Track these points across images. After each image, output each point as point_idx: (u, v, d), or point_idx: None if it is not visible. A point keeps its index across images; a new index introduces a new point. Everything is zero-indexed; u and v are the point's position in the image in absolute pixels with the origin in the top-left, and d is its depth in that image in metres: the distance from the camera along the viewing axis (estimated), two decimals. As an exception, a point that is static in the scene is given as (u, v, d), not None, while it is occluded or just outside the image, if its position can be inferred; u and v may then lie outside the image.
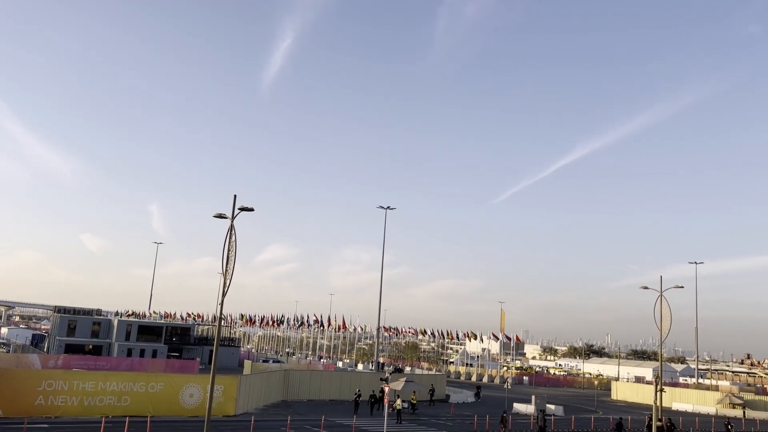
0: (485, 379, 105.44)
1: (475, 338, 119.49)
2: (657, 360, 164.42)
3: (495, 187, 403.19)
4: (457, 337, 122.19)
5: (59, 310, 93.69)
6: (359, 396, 47.18)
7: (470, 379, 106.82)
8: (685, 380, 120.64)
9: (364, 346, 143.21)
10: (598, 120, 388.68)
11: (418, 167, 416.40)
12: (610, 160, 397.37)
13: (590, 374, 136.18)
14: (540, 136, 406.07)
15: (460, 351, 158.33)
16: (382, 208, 72.68)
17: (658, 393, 38.35)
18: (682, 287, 49.33)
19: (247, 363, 70.04)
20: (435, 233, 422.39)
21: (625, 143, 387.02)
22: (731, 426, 44.49)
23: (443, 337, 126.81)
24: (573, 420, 48.74)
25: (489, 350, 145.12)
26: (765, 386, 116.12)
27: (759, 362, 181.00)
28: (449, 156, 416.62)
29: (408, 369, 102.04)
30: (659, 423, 39.68)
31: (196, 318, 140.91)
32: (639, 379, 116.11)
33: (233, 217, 29.74)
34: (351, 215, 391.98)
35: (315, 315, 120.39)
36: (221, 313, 30.18)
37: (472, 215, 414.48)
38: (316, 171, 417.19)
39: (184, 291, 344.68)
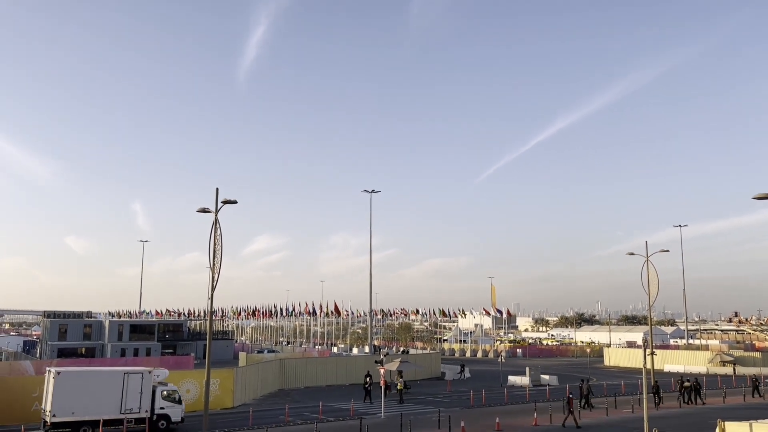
0: (479, 354, 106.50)
1: (467, 314, 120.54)
2: (647, 324, 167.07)
3: (478, 164, 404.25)
4: (450, 315, 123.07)
5: (49, 314, 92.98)
6: (370, 384, 44.18)
7: (464, 355, 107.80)
8: (676, 342, 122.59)
9: (358, 330, 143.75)
10: (577, 91, 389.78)
11: (400, 149, 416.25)
12: (590, 129, 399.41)
13: (582, 342, 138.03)
14: (520, 110, 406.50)
15: (453, 328, 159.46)
16: (367, 192, 72.50)
17: (648, 356, 39.05)
18: (668, 251, 50.06)
19: (242, 355, 70.20)
20: (422, 214, 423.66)
21: (604, 112, 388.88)
22: (758, 382, 45.22)
23: (436, 316, 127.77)
24: (567, 388, 49.54)
25: (481, 326, 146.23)
26: (753, 342, 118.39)
27: (746, 319, 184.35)
28: (430, 136, 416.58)
29: (401, 349, 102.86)
30: (687, 384, 40.79)
31: (188, 314, 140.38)
32: (630, 344, 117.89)
33: (217, 211, 29.61)
34: (337, 201, 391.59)
35: (307, 303, 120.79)
36: (212, 307, 30.17)
37: (457, 193, 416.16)
38: (300, 159, 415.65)
39: (173, 288, 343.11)
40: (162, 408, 31.25)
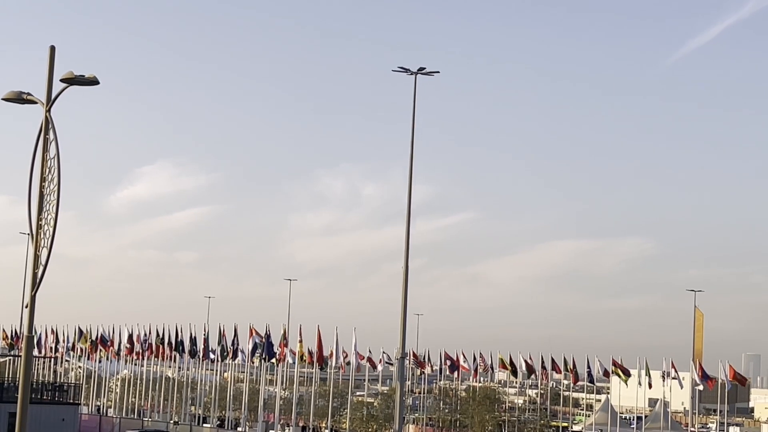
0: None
1: (631, 376, 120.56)
2: None
3: (662, 42, 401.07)
4: (590, 376, 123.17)
5: None
6: None
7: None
8: None
9: (371, 400, 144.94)
10: None
11: (488, 7, 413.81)
12: None
13: None
14: None
15: (597, 406, 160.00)
16: (405, 71, 72.56)
17: None
18: None
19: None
20: (532, 138, 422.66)
21: None
22: None
23: (556, 375, 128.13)
24: None
25: (665, 403, 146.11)
26: None
27: None
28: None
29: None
30: None
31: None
32: None
33: (51, 101, 29.99)
34: (334, 100, 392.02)
35: (254, 328, 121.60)
36: (32, 326, 30.79)
37: (620, 93, 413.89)
38: (255, 4, 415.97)
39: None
40: None
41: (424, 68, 72.86)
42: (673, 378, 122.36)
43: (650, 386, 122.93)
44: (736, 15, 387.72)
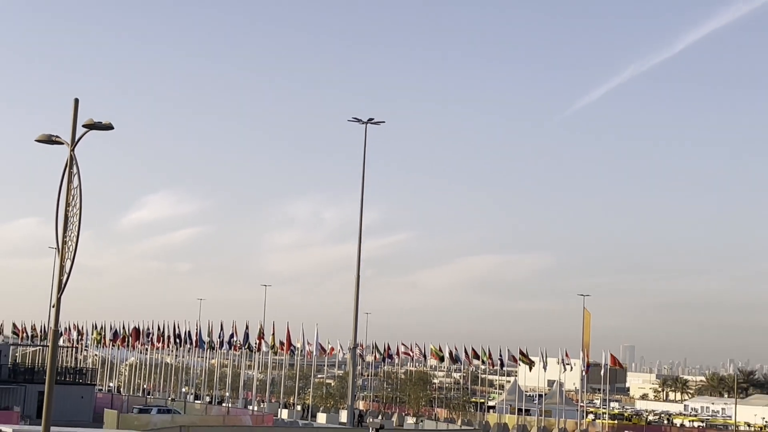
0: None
1: (535, 363, 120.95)
2: None
3: (567, 90, 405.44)
4: (502, 362, 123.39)
5: None
6: None
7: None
8: None
9: (330, 381, 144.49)
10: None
11: (425, 58, 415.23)
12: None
13: (749, 425, 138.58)
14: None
15: (507, 386, 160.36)
16: (358, 121, 72.46)
17: None
18: None
19: (110, 413, 70.83)
20: (460, 172, 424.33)
21: None
22: None
23: (476, 362, 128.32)
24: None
25: (561, 384, 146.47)
26: None
27: None
28: (482, 40, 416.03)
29: (410, 421, 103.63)
30: None
31: (14, 333, 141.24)
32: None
33: (74, 142, 29.62)
34: (302, 140, 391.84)
35: (236, 324, 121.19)
36: (57, 321, 30.29)
37: (526, 140, 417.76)
38: (238, 63, 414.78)
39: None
40: None
41: (373, 118, 72.89)
42: (567, 364, 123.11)
43: (545, 369, 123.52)
44: (637, 68, 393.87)
